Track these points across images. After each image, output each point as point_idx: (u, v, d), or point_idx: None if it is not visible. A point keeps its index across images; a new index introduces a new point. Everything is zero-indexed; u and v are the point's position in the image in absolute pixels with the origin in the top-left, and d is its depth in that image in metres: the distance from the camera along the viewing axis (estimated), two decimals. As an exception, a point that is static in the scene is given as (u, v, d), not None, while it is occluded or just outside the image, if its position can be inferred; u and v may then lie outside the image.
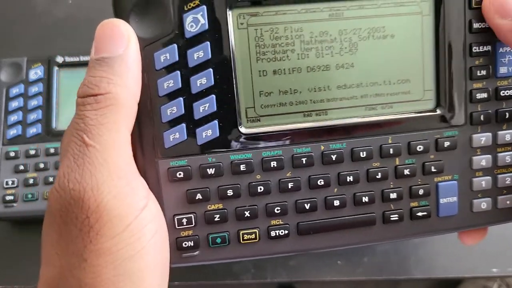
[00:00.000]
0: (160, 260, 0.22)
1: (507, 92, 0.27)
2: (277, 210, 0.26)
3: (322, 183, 0.27)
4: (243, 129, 0.26)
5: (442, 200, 0.28)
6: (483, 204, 0.28)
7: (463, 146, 0.28)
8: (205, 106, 0.25)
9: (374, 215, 0.27)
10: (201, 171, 0.25)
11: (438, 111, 0.27)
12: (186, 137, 0.25)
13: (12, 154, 0.41)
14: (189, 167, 0.25)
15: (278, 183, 0.26)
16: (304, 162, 0.26)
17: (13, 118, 0.42)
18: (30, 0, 0.52)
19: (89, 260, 0.20)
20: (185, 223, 0.26)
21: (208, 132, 0.25)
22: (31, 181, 0.40)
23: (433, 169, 0.27)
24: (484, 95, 0.27)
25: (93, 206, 0.20)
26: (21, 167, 0.41)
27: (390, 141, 0.27)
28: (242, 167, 0.26)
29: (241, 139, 0.26)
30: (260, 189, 0.26)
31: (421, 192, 0.28)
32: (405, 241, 0.43)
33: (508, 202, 0.29)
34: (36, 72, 0.44)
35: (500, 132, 0.28)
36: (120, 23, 0.23)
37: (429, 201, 0.28)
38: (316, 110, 0.27)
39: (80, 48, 0.45)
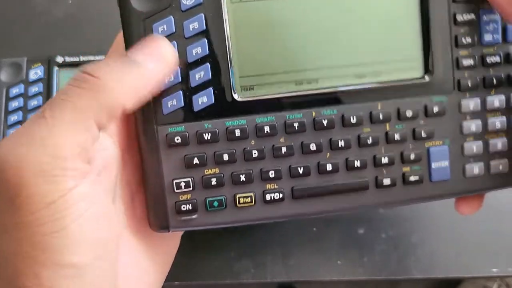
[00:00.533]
0: (91, 238, 0.21)
1: (493, 59, 0.28)
2: (272, 174, 0.27)
3: (315, 148, 0.27)
4: (237, 97, 0.27)
5: (434, 165, 0.29)
6: (476, 168, 0.29)
7: (452, 111, 0.29)
8: (200, 74, 0.27)
9: (366, 179, 0.28)
10: (197, 137, 0.27)
11: (426, 78, 0.28)
12: (183, 104, 0.27)
13: (12, 154, 0.41)
14: (186, 133, 0.27)
15: (272, 149, 0.27)
16: (296, 128, 0.27)
17: (13, 118, 0.42)
18: (30, 0, 0.52)
19: (10, 233, 0.20)
20: (183, 187, 0.27)
21: (203, 99, 0.27)
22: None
23: (423, 134, 0.28)
24: (471, 61, 0.28)
25: (15, 180, 0.20)
26: (21, 167, 0.41)
27: (379, 107, 0.28)
28: (237, 133, 0.27)
29: (236, 106, 0.27)
30: (255, 153, 0.27)
31: (412, 157, 0.28)
32: (404, 239, 0.43)
33: (500, 167, 0.29)
34: (36, 72, 0.44)
35: (488, 98, 0.29)
36: (169, 46, 0.25)
37: (421, 166, 0.29)
38: (307, 78, 0.28)
39: (80, 48, 0.45)
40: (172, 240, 0.30)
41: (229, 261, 0.42)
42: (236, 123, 0.27)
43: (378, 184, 0.28)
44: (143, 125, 0.27)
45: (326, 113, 0.28)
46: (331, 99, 0.28)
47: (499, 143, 0.29)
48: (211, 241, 0.43)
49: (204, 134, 0.27)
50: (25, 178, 0.20)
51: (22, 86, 0.43)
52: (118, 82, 0.22)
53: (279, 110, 0.27)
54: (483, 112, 0.29)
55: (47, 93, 0.43)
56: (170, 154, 0.27)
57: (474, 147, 0.29)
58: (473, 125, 0.28)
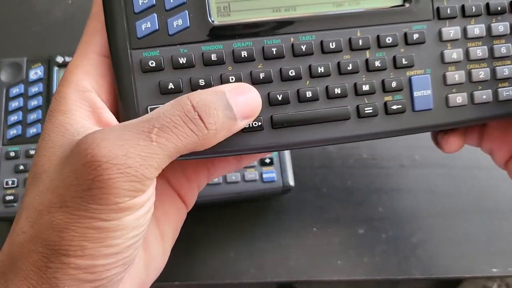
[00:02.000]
0: (133, 232, 0.23)
1: None
2: None
3: (293, 74, 0.27)
4: (213, 21, 0.27)
5: (416, 93, 0.28)
6: (459, 98, 0.28)
7: (433, 40, 0.28)
8: None
9: (347, 107, 0.27)
10: (173, 62, 0.26)
11: (406, 5, 0.28)
12: (157, 27, 0.26)
13: (12, 154, 0.41)
14: (161, 58, 0.26)
15: (250, 75, 0.27)
16: (274, 53, 0.27)
17: (13, 118, 0.42)
18: (30, 0, 0.52)
19: (71, 209, 0.22)
20: None
21: (178, 22, 0.26)
22: (31, 181, 0.40)
23: (404, 62, 0.28)
24: None
25: (103, 177, 0.22)
26: (21, 167, 0.41)
27: (359, 34, 0.28)
28: (213, 57, 0.26)
29: (212, 31, 0.27)
30: (232, 79, 0.26)
31: (394, 85, 0.28)
32: (405, 239, 0.43)
33: (484, 96, 0.29)
34: (36, 72, 0.44)
35: (469, 26, 0.28)
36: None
37: (403, 95, 0.28)
38: (285, 5, 0.28)
39: (80, 48, 0.45)
40: (178, 210, 0.30)
41: (229, 261, 0.42)
42: (213, 48, 0.26)
43: (360, 113, 0.28)
44: (116, 50, 0.26)
45: (305, 39, 0.27)
46: (310, 25, 0.27)
47: (481, 73, 0.29)
48: (211, 241, 0.43)
49: (179, 59, 0.26)
50: (112, 180, 0.21)
51: (22, 86, 0.43)
52: (217, 137, 0.24)
53: (256, 36, 0.27)
54: (464, 41, 0.29)
55: (47, 93, 0.43)
56: (144, 79, 0.26)
57: (456, 76, 0.28)
58: (454, 54, 0.28)
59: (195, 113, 0.23)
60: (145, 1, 0.26)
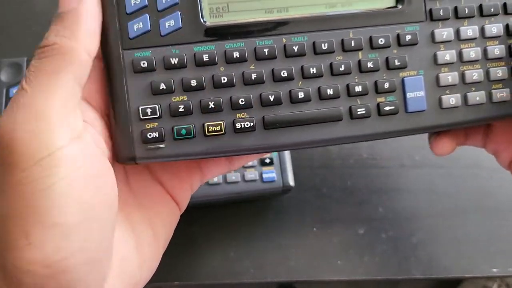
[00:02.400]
0: (79, 199, 0.22)
1: None
2: (242, 102, 0.27)
3: (286, 75, 0.27)
4: (205, 22, 0.27)
5: (409, 95, 0.28)
6: (452, 99, 0.28)
7: (426, 41, 0.28)
8: None
9: (340, 109, 0.27)
10: (164, 62, 0.26)
11: (398, 7, 0.28)
12: (149, 28, 0.26)
13: (12, 154, 0.41)
14: (153, 58, 0.26)
15: (242, 75, 0.27)
16: (266, 53, 0.27)
17: (13, 118, 0.42)
18: (30, 0, 0.52)
19: (6, 191, 0.21)
20: (149, 114, 0.26)
21: (171, 23, 0.26)
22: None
23: (396, 63, 0.28)
24: None
25: (6, 140, 0.21)
26: (21, 167, 0.41)
27: (351, 35, 0.27)
28: (205, 58, 0.26)
29: (204, 32, 0.27)
30: (224, 80, 0.26)
31: (386, 86, 0.28)
32: (405, 239, 0.43)
33: (477, 98, 0.29)
34: (36, 72, 0.44)
35: (462, 28, 0.28)
36: None
37: (396, 97, 0.28)
38: (277, 7, 0.28)
39: (80, 48, 0.45)
40: (171, 211, 0.30)
41: (229, 261, 0.42)
42: (205, 49, 0.26)
43: (352, 115, 0.27)
44: (108, 50, 0.26)
45: (297, 40, 0.27)
46: (302, 26, 0.27)
47: (475, 74, 0.28)
48: (211, 241, 0.43)
49: (171, 59, 0.26)
50: (16, 138, 0.21)
51: (22, 86, 0.43)
52: (71, 37, 0.23)
53: (248, 36, 0.27)
54: (457, 42, 0.28)
55: (47, 93, 0.43)
56: (136, 80, 0.26)
57: (449, 77, 0.28)
58: (447, 55, 0.28)
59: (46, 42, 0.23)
60: (137, 2, 0.26)
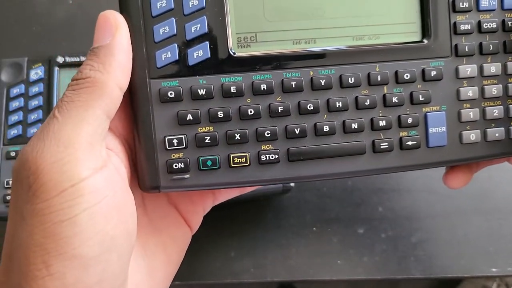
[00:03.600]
0: (100, 231, 0.22)
1: (490, 25, 0.28)
2: (267, 134, 0.27)
3: (312, 108, 0.27)
4: (233, 53, 0.27)
5: (431, 130, 0.28)
6: (472, 135, 0.29)
7: (450, 77, 0.29)
8: (196, 27, 0.26)
9: (363, 142, 0.28)
10: (192, 92, 0.26)
11: (425, 42, 0.28)
12: (177, 57, 0.26)
13: (13, 154, 0.41)
14: (180, 88, 0.26)
15: (268, 107, 0.27)
16: (293, 86, 0.27)
17: (13, 118, 0.42)
18: (31, 0, 0.52)
19: (26, 219, 0.21)
20: (175, 144, 0.26)
21: (199, 53, 0.26)
22: (31, 181, 0.40)
23: (420, 98, 0.28)
24: (468, 27, 0.28)
25: (33, 168, 0.21)
26: (22, 167, 0.41)
27: (377, 69, 0.28)
28: (233, 89, 0.26)
29: (232, 62, 0.27)
30: (250, 112, 0.26)
31: (409, 121, 0.28)
32: (404, 239, 0.43)
33: (497, 134, 0.29)
34: (37, 72, 0.44)
35: (485, 65, 0.29)
36: (110, 14, 0.25)
37: (418, 131, 0.28)
38: (305, 38, 0.28)
39: (81, 48, 0.45)
40: (184, 234, 0.30)
41: (229, 261, 0.42)
42: (232, 80, 0.26)
43: (375, 148, 0.28)
44: (135, 78, 0.26)
45: (324, 73, 0.27)
46: (330, 59, 0.27)
47: (495, 111, 0.29)
48: (212, 240, 0.43)
49: (198, 90, 0.26)
50: (41, 167, 0.21)
51: (22, 86, 0.43)
52: (103, 71, 0.24)
53: (276, 68, 0.27)
54: (480, 79, 0.29)
55: (48, 93, 0.43)
56: (162, 109, 0.26)
57: (471, 114, 0.29)
58: (470, 92, 0.29)
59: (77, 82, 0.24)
60: (166, 31, 0.26)
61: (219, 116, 0.26)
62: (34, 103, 0.43)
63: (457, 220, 0.44)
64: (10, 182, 0.40)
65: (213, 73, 0.26)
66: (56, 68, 0.44)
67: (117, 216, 0.23)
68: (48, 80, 0.43)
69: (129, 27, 0.25)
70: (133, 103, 0.26)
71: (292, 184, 0.41)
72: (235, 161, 0.26)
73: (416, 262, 0.43)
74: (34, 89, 0.43)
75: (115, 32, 0.24)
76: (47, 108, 0.43)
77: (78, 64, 0.44)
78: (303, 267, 0.42)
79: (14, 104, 0.43)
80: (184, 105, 0.26)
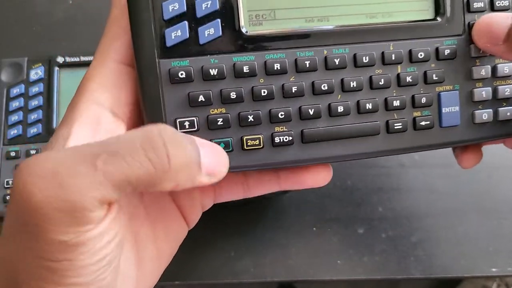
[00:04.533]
0: (97, 266, 0.21)
1: (502, 3, 0.28)
2: (281, 115, 0.26)
3: (326, 88, 0.26)
4: (245, 31, 0.26)
5: (444, 110, 0.28)
6: (484, 115, 0.29)
7: (463, 56, 0.28)
8: (207, 4, 0.25)
9: (378, 123, 0.27)
10: (203, 73, 0.25)
11: (438, 19, 0.28)
12: (188, 36, 0.25)
13: (13, 154, 0.41)
14: (191, 68, 0.25)
15: (282, 88, 0.26)
16: (307, 66, 0.26)
17: (13, 118, 0.42)
18: (31, 0, 0.52)
19: (19, 243, 0.20)
20: (187, 127, 0.25)
21: (210, 31, 0.25)
22: (31, 181, 0.40)
23: (434, 78, 0.28)
24: (481, 4, 0.28)
25: (34, 216, 0.20)
26: (22, 167, 0.41)
27: (391, 48, 0.27)
28: (245, 69, 0.25)
29: (244, 41, 0.26)
30: (264, 92, 0.26)
31: (423, 100, 0.28)
32: (404, 239, 0.43)
33: (508, 113, 0.29)
34: (37, 72, 0.44)
35: None
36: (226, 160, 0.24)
37: (432, 111, 0.28)
38: (317, 16, 0.27)
39: (81, 48, 0.45)
40: (178, 228, 0.29)
41: (229, 261, 0.42)
42: (245, 59, 0.26)
43: (389, 129, 0.27)
44: (143, 58, 0.24)
45: (338, 52, 0.27)
46: (343, 37, 0.27)
47: (507, 89, 0.29)
48: (211, 240, 0.43)
49: (210, 70, 0.25)
50: (44, 216, 0.19)
51: (22, 86, 0.43)
52: (176, 177, 0.21)
53: (289, 47, 0.26)
54: (492, 58, 0.29)
55: (48, 93, 0.43)
56: (172, 91, 0.25)
57: (483, 93, 0.28)
58: (483, 70, 0.28)
59: (160, 140, 0.20)
60: (175, 7, 0.25)
61: (231, 97, 0.25)
62: (34, 103, 0.43)
63: (457, 219, 0.44)
64: (10, 182, 0.40)
65: (225, 52, 0.25)
66: (56, 68, 0.44)
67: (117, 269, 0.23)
68: (48, 80, 0.44)
69: (136, 5, 0.24)
70: (142, 85, 0.25)
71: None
72: (249, 144, 0.26)
73: (416, 262, 0.42)
74: (34, 89, 0.43)
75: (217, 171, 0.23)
76: (47, 108, 0.43)
77: (78, 64, 0.44)
78: (303, 267, 0.42)
79: (14, 104, 0.43)
80: (195, 86, 0.25)
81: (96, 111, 0.24)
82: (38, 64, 0.44)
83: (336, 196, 0.45)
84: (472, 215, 0.44)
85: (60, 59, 0.44)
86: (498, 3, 0.28)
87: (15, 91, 0.43)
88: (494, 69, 0.29)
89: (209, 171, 0.23)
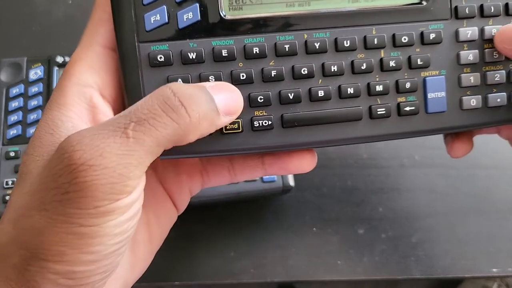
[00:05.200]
0: (117, 239, 0.22)
1: None
2: (260, 99, 0.26)
3: (306, 72, 0.26)
4: (224, 15, 0.26)
5: (430, 95, 0.27)
6: (473, 101, 0.28)
7: (450, 40, 0.28)
8: None
9: (360, 108, 0.27)
10: (182, 56, 0.25)
11: (423, 3, 0.27)
12: (167, 20, 0.25)
13: (12, 154, 0.41)
14: (170, 52, 0.25)
15: (261, 72, 0.26)
16: (287, 49, 0.26)
17: (13, 118, 0.42)
18: (30, 0, 0.52)
19: (49, 211, 0.21)
20: None
21: (189, 15, 0.25)
22: (31, 181, 0.40)
23: (419, 62, 0.27)
24: None
25: (81, 180, 0.21)
26: (21, 167, 0.41)
27: (374, 32, 0.27)
28: (224, 53, 0.26)
29: (223, 25, 0.26)
30: (243, 76, 0.26)
31: (408, 85, 0.27)
32: (404, 239, 0.43)
33: (498, 100, 0.28)
34: (36, 72, 0.44)
35: (486, 27, 0.28)
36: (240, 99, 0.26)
37: (417, 97, 0.27)
38: (299, 0, 0.27)
39: (80, 48, 0.45)
40: (169, 212, 0.30)
41: (229, 261, 0.42)
42: (223, 43, 0.26)
43: (372, 114, 0.27)
44: (124, 42, 0.25)
45: (319, 36, 0.26)
46: (324, 21, 0.26)
47: (497, 75, 0.28)
48: (211, 241, 0.43)
49: (189, 54, 0.25)
50: (88, 182, 0.20)
51: (22, 86, 0.43)
52: (200, 128, 0.23)
53: (269, 31, 0.26)
54: (481, 42, 0.28)
55: (47, 93, 0.43)
56: (152, 74, 0.25)
57: (471, 78, 0.28)
58: (470, 55, 0.28)
59: (175, 99, 0.22)
60: None
61: (210, 80, 0.25)
62: (33, 103, 0.43)
63: (457, 220, 0.44)
64: (10, 182, 0.40)
65: (204, 37, 0.26)
66: (56, 68, 0.44)
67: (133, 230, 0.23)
68: (47, 80, 0.43)
69: None
70: (123, 68, 0.25)
71: (292, 184, 0.41)
72: (227, 127, 0.26)
73: (416, 262, 0.42)
74: (34, 89, 0.43)
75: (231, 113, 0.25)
76: (47, 108, 0.43)
77: (77, 64, 0.44)
78: (302, 267, 0.42)
79: (14, 104, 0.43)
80: (174, 69, 0.25)
81: (88, 94, 0.24)
82: (37, 64, 0.44)
83: (336, 196, 0.45)
84: (472, 215, 0.44)
85: (59, 59, 0.44)
86: None
87: (14, 91, 0.43)
88: (483, 54, 0.28)
89: (227, 111, 0.24)
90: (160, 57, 0.25)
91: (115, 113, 0.26)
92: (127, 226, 0.22)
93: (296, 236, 0.43)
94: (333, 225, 0.44)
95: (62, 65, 0.44)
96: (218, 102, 0.23)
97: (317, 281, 0.42)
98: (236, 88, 0.25)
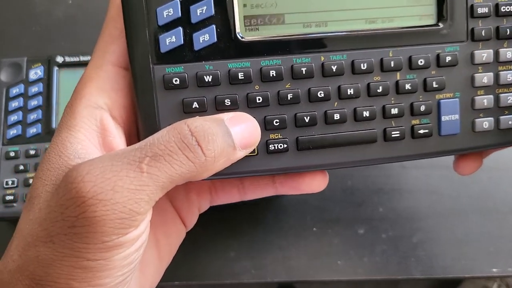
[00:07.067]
0: (125, 269, 0.22)
1: (508, 8, 0.27)
2: (276, 122, 0.26)
3: (322, 95, 0.26)
4: (241, 37, 0.26)
5: (444, 118, 0.27)
6: (485, 123, 0.28)
7: (465, 62, 0.28)
8: (202, 10, 0.25)
9: (375, 131, 0.27)
10: (198, 79, 0.25)
11: (440, 25, 0.27)
12: (182, 42, 0.25)
13: (12, 154, 0.41)
14: (185, 74, 0.25)
15: (277, 94, 0.26)
16: (303, 72, 0.26)
17: (13, 118, 0.42)
18: (30, 0, 0.52)
19: (55, 243, 0.21)
20: None
21: (205, 37, 0.25)
22: (31, 181, 0.40)
23: (434, 85, 0.27)
24: (485, 10, 0.27)
25: (90, 215, 0.20)
26: (21, 167, 0.41)
27: (391, 54, 0.27)
28: (240, 76, 0.25)
29: (240, 47, 0.25)
30: (259, 99, 0.25)
31: (422, 108, 0.27)
32: (405, 239, 0.43)
33: (510, 122, 0.28)
34: (36, 72, 0.44)
35: (501, 50, 0.28)
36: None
37: (431, 119, 0.27)
38: (316, 21, 0.26)
39: (80, 48, 0.45)
40: (178, 231, 0.30)
41: (229, 261, 0.42)
42: (240, 66, 0.25)
43: (387, 137, 0.27)
44: (138, 64, 0.24)
45: (336, 58, 0.26)
46: (342, 43, 0.26)
47: (509, 98, 0.28)
48: (211, 241, 0.43)
49: (204, 76, 0.25)
50: (97, 217, 0.20)
51: (22, 86, 0.43)
52: (216, 165, 0.23)
53: (285, 53, 0.26)
54: (495, 65, 0.28)
55: (47, 93, 0.43)
56: (167, 97, 0.25)
57: (485, 101, 0.28)
58: (485, 78, 0.28)
59: (192, 138, 0.22)
60: (170, 13, 0.24)
61: (225, 103, 0.25)
62: (33, 103, 0.43)
63: (457, 220, 0.44)
64: (10, 182, 0.40)
65: (220, 59, 0.25)
66: (56, 68, 0.44)
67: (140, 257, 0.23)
68: (47, 80, 0.43)
69: (131, 10, 0.24)
70: (136, 90, 0.25)
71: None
72: None
73: (416, 263, 0.42)
74: (34, 89, 0.43)
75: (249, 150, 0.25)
76: (47, 108, 0.43)
77: (77, 64, 0.44)
78: (303, 267, 0.42)
79: (14, 104, 0.43)
80: (190, 92, 0.25)
81: (98, 116, 0.24)
82: (37, 64, 0.44)
83: (337, 196, 0.45)
84: (472, 216, 0.44)
85: (59, 59, 0.44)
86: (503, 9, 0.27)
87: (14, 91, 0.43)
88: (497, 76, 0.28)
89: (243, 145, 0.24)
90: (176, 80, 0.25)
91: (125, 135, 0.25)
92: (134, 257, 0.22)
93: (297, 236, 0.43)
94: (333, 226, 0.44)
95: (62, 65, 0.44)
96: (235, 136, 0.23)
97: (317, 281, 0.42)
98: (254, 120, 0.25)
